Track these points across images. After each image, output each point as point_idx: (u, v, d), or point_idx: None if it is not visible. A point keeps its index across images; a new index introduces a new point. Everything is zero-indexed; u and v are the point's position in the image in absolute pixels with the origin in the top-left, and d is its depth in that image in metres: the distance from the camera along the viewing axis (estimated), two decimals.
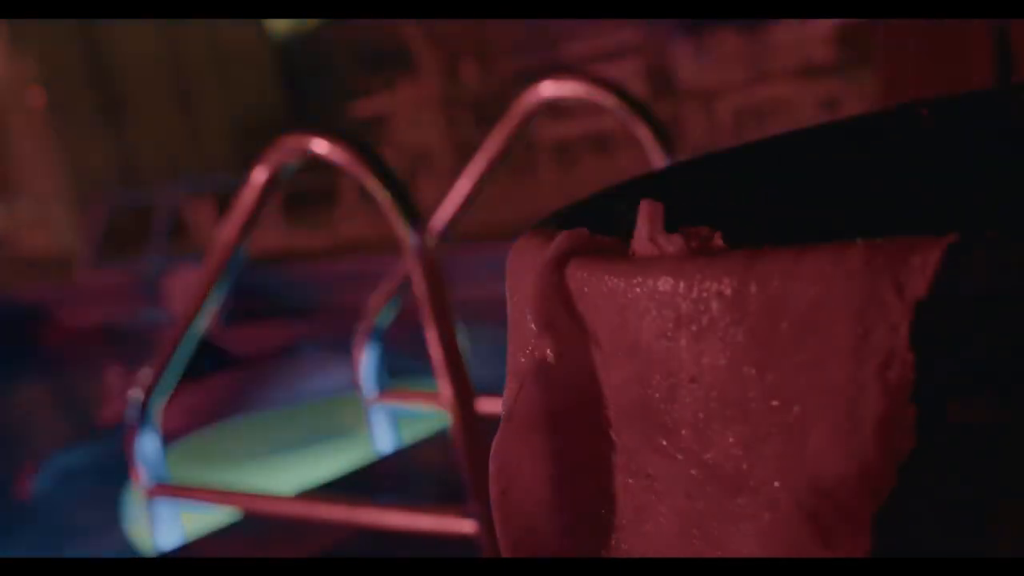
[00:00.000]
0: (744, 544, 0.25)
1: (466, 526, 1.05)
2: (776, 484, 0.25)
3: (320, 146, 1.08)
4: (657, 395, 0.27)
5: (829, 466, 0.24)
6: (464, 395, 1.03)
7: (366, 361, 1.64)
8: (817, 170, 0.46)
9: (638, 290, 0.27)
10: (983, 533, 0.24)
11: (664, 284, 0.26)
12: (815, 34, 6.66)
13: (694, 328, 0.26)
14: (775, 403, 0.24)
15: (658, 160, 1.32)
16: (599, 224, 0.38)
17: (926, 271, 0.22)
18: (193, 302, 1.27)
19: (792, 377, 0.24)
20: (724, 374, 0.25)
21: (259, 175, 1.16)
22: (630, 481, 0.28)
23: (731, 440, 0.25)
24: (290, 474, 2.22)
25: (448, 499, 1.10)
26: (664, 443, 0.27)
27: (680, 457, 0.27)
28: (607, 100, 1.35)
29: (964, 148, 0.46)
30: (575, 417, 0.29)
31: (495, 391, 1.46)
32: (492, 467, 0.29)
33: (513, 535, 0.29)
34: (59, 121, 10.06)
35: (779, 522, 0.25)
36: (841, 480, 0.24)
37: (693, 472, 0.26)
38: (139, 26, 10.24)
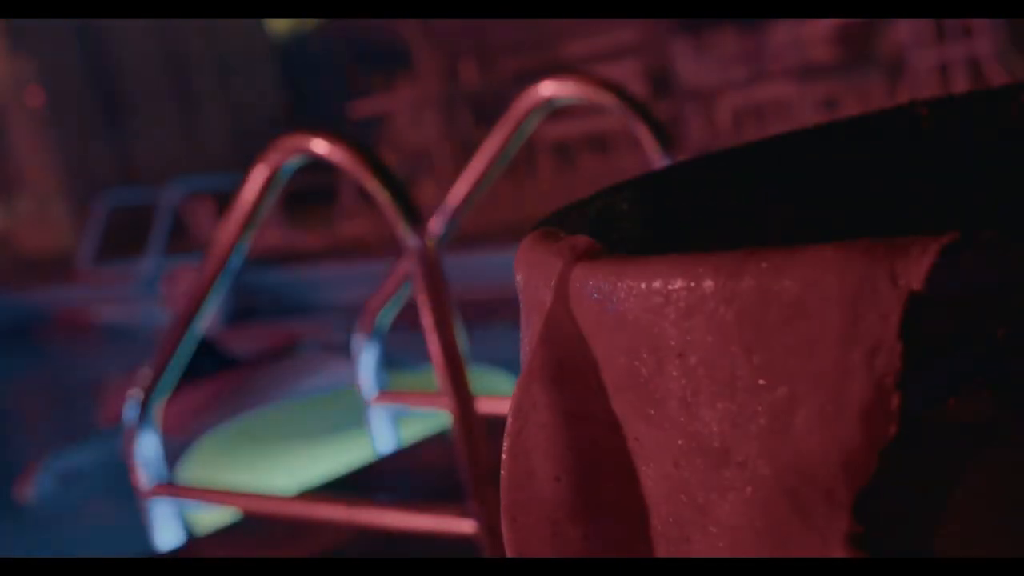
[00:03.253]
0: (728, 513, 0.26)
1: (466, 526, 1.05)
2: (760, 460, 0.25)
3: (320, 146, 1.08)
4: (644, 368, 0.28)
5: (812, 447, 0.24)
6: (464, 395, 1.03)
7: (366, 361, 1.64)
8: (817, 170, 0.46)
9: (634, 286, 0.27)
10: (974, 531, 0.24)
11: (661, 279, 0.27)
12: (815, 34, 6.66)
13: (683, 306, 0.26)
14: (762, 383, 0.25)
15: (658, 160, 1.32)
16: (599, 224, 0.38)
17: (922, 264, 0.23)
18: (193, 302, 1.27)
19: (780, 359, 0.25)
20: (712, 352, 0.26)
21: (259, 175, 1.16)
22: (621, 443, 0.29)
23: (717, 415, 0.26)
24: (319, 462, 2.22)
25: (448, 499, 1.10)
26: (652, 412, 0.28)
27: (667, 427, 0.28)
28: (607, 100, 1.35)
29: (964, 148, 0.46)
30: (576, 381, 0.30)
31: (495, 391, 1.46)
32: (511, 407, 0.31)
33: (516, 477, 0.31)
34: (59, 121, 10.06)
35: (761, 496, 0.25)
36: (823, 461, 0.24)
37: (680, 442, 0.27)
38: (139, 26, 10.24)
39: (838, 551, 0.24)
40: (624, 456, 0.29)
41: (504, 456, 0.31)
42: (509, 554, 0.31)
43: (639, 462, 0.29)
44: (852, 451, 0.24)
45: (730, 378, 0.26)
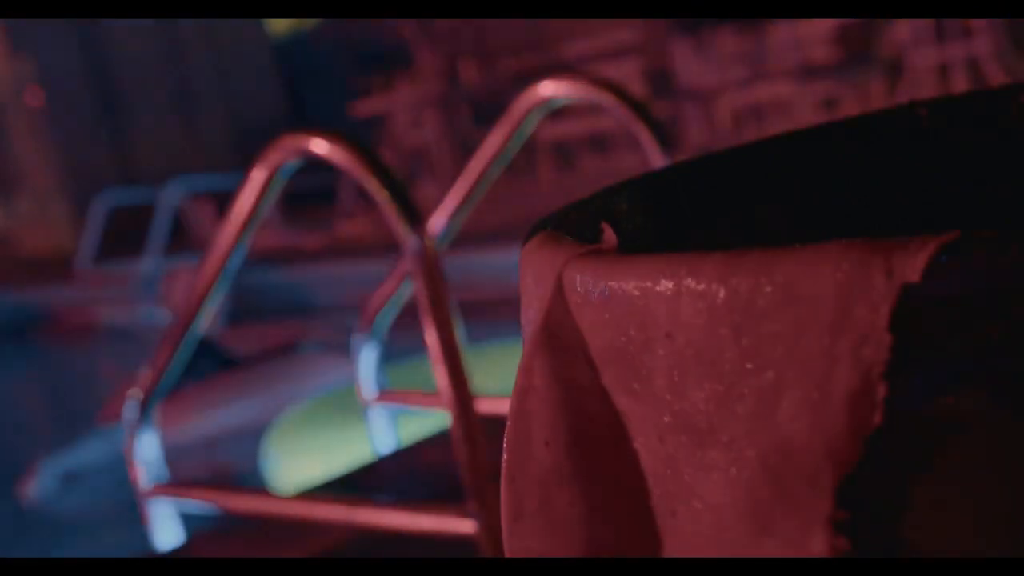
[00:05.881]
0: (712, 491, 0.27)
1: (466, 526, 1.05)
2: (744, 441, 0.26)
3: (320, 146, 1.08)
4: (632, 345, 0.28)
5: (796, 431, 0.25)
6: (464, 395, 1.03)
7: (365, 361, 1.65)
8: (817, 170, 0.46)
9: (630, 282, 0.28)
10: (964, 526, 0.24)
11: (657, 276, 0.27)
12: (815, 34, 6.66)
13: (674, 292, 0.27)
14: (749, 366, 0.25)
15: (658, 160, 1.32)
16: (599, 224, 0.38)
17: (919, 260, 0.23)
18: (192, 302, 1.27)
19: (768, 343, 0.25)
20: (700, 333, 0.26)
21: (259, 175, 1.16)
22: (609, 415, 0.30)
23: (704, 395, 0.26)
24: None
25: (448, 499, 1.10)
26: (637, 388, 0.28)
27: (653, 403, 0.28)
28: (607, 100, 1.35)
29: (964, 148, 0.46)
30: (569, 353, 0.30)
31: (494, 391, 1.46)
32: (516, 376, 0.32)
33: (515, 439, 0.32)
34: (59, 121, 10.06)
35: (745, 476, 0.26)
36: (807, 446, 0.24)
37: (666, 419, 0.27)
38: (139, 26, 10.24)
39: (820, 535, 0.24)
40: (612, 428, 0.29)
41: (508, 419, 0.31)
42: (504, 515, 0.31)
43: (626, 434, 0.29)
44: (836, 437, 0.24)
45: (717, 360, 0.26)
